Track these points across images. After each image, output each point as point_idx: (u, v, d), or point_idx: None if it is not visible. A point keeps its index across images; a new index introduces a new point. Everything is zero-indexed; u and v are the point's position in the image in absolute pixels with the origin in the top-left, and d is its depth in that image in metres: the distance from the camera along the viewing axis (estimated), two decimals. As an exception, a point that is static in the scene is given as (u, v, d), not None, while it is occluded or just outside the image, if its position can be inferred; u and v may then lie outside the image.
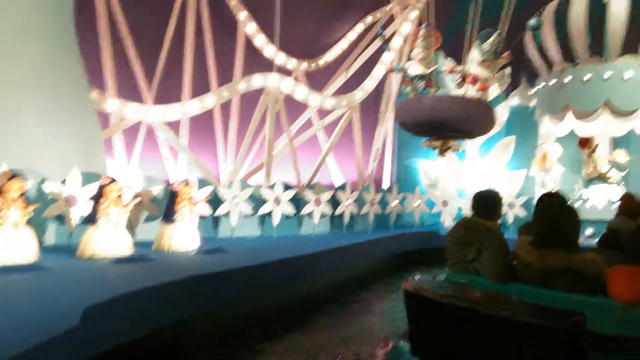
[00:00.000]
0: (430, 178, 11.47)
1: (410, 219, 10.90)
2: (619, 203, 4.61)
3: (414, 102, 4.78)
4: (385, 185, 11.61)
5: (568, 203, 3.01)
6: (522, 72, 11.80)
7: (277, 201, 7.89)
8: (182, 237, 5.90)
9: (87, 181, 5.70)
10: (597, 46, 9.84)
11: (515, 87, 12.00)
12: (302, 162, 9.48)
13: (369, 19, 11.07)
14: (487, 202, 3.37)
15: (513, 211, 10.89)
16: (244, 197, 7.48)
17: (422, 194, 11.00)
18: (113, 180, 5.36)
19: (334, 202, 8.98)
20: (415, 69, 4.97)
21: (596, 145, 9.90)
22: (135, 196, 5.90)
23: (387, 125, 11.02)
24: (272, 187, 7.95)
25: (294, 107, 9.93)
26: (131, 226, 6.15)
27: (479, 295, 2.63)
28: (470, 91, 4.84)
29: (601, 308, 2.47)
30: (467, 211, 11.15)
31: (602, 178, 9.77)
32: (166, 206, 6.07)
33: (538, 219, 2.90)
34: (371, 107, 11.32)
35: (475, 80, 4.81)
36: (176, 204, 5.96)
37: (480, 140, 11.54)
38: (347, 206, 9.01)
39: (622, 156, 9.80)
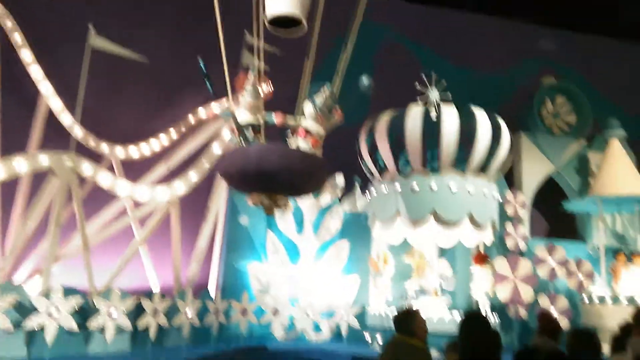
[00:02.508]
0: (262, 283, 10.45)
1: (236, 331, 9.61)
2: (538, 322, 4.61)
3: (239, 151, 4.00)
4: (212, 291, 10.29)
5: (491, 324, 3.14)
6: (355, 178, 11.82)
7: (54, 311, 6.17)
8: None
9: None
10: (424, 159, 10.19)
11: (348, 193, 11.90)
12: (109, 263, 7.91)
13: (202, 112, 10.32)
14: (403, 320, 3.48)
15: (346, 321, 10.18)
16: (1, 308, 5.67)
17: (251, 301, 9.89)
18: None
19: (139, 313, 7.45)
20: (243, 116, 4.21)
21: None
22: None
23: (214, 223, 9.97)
24: (48, 293, 6.24)
25: (104, 197, 8.49)
26: None
27: None
28: (301, 145, 4.21)
29: None
30: (299, 321, 10.22)
31: None
32: None
33: (464, 340, 3.02)
34: (197, 201, 10.25)
35: (306, 134, 4.22)
36: None
37: (315, 244, 11.01)
38: (154, 317, 7.50)
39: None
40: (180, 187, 8.27)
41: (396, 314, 3.59)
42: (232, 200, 10.66)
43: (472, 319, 3.53)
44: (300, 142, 4.25)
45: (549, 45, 14.86)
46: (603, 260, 11.21)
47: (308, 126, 4.26)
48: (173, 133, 9.98)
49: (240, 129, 4.26)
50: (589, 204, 11.84)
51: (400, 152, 9.80)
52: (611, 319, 10.20)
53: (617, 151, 11.70)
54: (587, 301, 10.89)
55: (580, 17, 14.92)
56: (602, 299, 10.61)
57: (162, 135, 9.86)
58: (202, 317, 8.63)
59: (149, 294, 7.70)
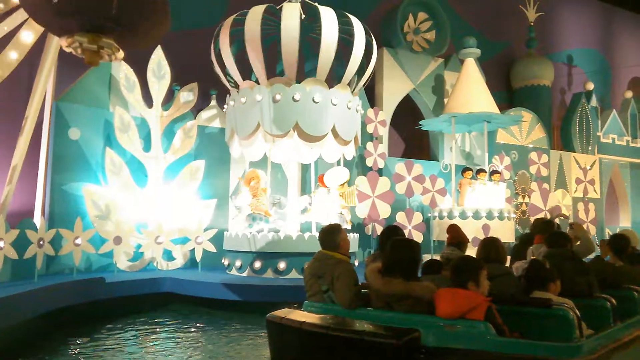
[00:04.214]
0: (100, 208, 8.99)
1: (69, 263, 8.21)
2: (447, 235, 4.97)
3: None
4: (37, 218, 8.59)
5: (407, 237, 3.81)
6: (212, 90, 10.58)
7: None
8: None
9: None
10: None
11: (204, 106, 10.66)
12: None
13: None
14: (328, 236, 3.64)
15: (201, 246, 9.30)
16: None
17: (88, 228, 8.47)
18: None
19: None
20: None
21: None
22: None
23: (35, 136, 8.16)
24: None
25: None
26: None
27: (333, 320, 3.05)
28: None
29: (432, 325, 2.90)
30: (148, 249, 9.10)
31: None
32: None
33: (387, 251, 3.30)
34: (9, 107, 8.26)
35: None
36: None
37: (164, 164, 9.73)
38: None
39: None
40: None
41: (321, 230, 3.74)
42: (57, 107, 8.79)
43: (391, 230, 4.04)
44: None
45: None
46: (453, 177, 11.66)
47: None
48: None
49: None
50: (442, 123, 12.11)
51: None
52: (459, 232, 10.76)
53: (471, 70, 11.98)
54: (437, 216, 11.34)
55: None
56: (450, 214, 11.08)
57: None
58: (22, 249, 7.08)
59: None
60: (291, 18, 8.28)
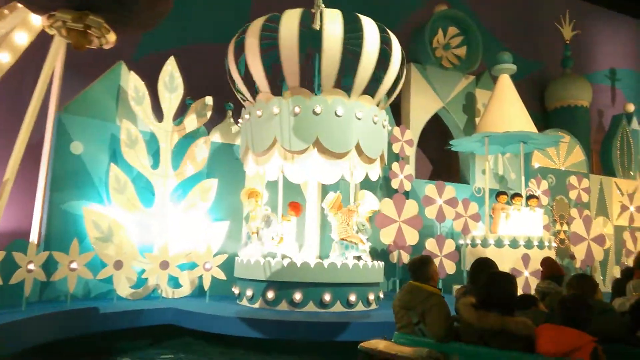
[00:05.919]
0: (101, 230, 8.24)
1: (64, 290, 7.43)
2: (542, 268, 4.82)
3: None
4: (34, 239, 7.86)
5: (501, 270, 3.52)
6: (227, 104, 9.89)
7: None
8: None
9: None
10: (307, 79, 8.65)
11: (219, 121, 9.95)
12: None
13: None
14: (420, 267, 3.63)
15: (210, 273, 8.43)
16: None
17: (88, 250, 7.71)
18: None
19: None
20: None
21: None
22: None
23: (36, 149, 7.52)
24: None
25: None
26: None
27: (427, 353, 3.08)
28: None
29: None
30: (152, 275, 8.28)
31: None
32: None
33: (482, 284, 3.24)
34: (10, 119, 7.63)
35: None
36: None
37: (174, 182, 9.00)
38: None
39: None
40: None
41: (412, 261, 3.72)
42: (60, 119, 8.15)
43: (484, 263, 3.81)
44: None
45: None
46: (487, 202, 10.69)
47: None
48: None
49: None
50: (475, 143, 11.19)
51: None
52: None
53: (506, 87, 11.11)
54: (470, 244, 10.36)
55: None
56: (485, 242, 10.10)
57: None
58: (9, 273, 6.34)
59: None
60: (334, 27, 7.54)
